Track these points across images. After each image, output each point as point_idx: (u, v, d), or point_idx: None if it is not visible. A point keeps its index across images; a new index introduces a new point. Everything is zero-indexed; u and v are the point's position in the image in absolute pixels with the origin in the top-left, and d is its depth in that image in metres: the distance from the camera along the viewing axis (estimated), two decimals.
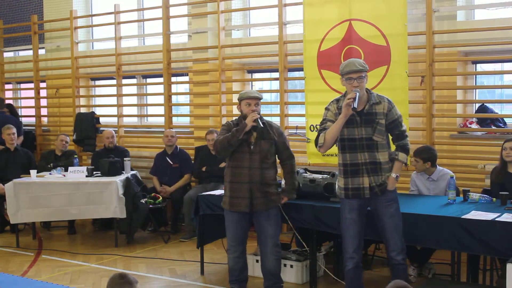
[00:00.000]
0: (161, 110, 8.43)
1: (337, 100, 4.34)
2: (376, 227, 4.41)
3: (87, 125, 8.86)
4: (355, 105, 4.03)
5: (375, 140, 4.21)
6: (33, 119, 9.79)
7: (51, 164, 7.64)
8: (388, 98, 4.30)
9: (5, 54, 10.39)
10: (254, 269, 5.60)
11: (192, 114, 8.29)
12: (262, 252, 4.93)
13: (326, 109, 4.36)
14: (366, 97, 4.23)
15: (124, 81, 8.99)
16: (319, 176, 5.21)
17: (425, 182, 5.48)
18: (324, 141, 4.23)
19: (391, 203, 4.29)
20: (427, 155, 5.39)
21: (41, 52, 9.86)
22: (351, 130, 4.22)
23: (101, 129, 8.74)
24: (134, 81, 9.19)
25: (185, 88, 8.95)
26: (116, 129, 8.62)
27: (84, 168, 7.05)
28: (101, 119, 9.08)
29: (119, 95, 8.76)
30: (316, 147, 4.35)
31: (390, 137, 4.41)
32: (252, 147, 4.75)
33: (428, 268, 5.36)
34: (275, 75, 7.47)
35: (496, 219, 4.20)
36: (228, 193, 4.84)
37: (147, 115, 9.08)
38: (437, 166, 5.47)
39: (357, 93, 4.07)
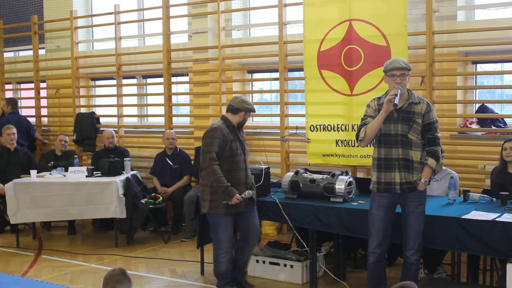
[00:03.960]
0: (161, 110, 8.43)
1: (378, 98, 4.42)
2: (398, 232, 4.41)
3: (87, 125, 8.85)
4: (397, 101, 4.13)
5: (410, 138, 4.26)
6: (33, 119, 9.77)
7: (52, 162, 7.64)
8: (428, 101, 4.36)
9: (5, 54, 10.38)
10: (255, 269, 5.61)
11: (192, 114, 8.29)
12: (245, 246, 5.08)
13: (367, 105, 4.45)
14: (407, 95, 4.31)
15: (124, 81, 8.98)
16: (319, 176, 5.22)
17: None
18: (365, 135, 4.31)
19: (418, 203, 4.33)
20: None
21: (41, 52, 9.86)
22: (388, 125, 4.29)
23: (101, 129, 8.73)
24: (134, 81, 9.19)
25: (185, 88, 8.95)
26: (116, 129, 8.61)
27: (84, 168, 7.05)
28: (101, 119, 9.08)
29: (119, 95, 8.75)
30: (357, 141, 4.43)
31: None
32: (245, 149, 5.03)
33: (438, 271, 5.34)
34: (275, 75, 7.47)
35: (496, 219, 4.20)
36: (222, 198, 4.85)
37: (147, 115, 9.08)
38: (442, 166, 5.47)
39: (399, 90, 4.17)
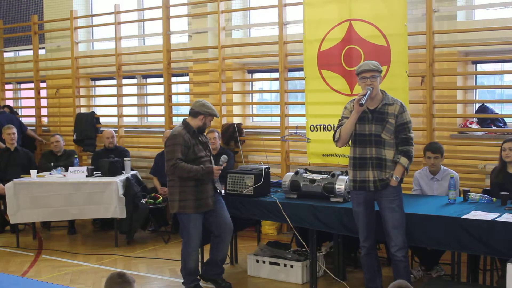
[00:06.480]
0: (161, 110, 8.43)
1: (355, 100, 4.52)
2: (380, 226, 4.52)
3: (87, 125, 8.86)
4: (363, 101, 4.31)
5: (383, 138, 4.41)
6: (33, 119, 9.79)
7: (52, 163, 7.64)
8: (402, 102, 4.50)
9: (5, 54, 10.39)
10: (255, 269, 5.61)
11: None
12: (220, 242, 5.15)
13: (344, 107, 4.62)
14: (381, 97, 4.47)
15: (124, 81, 8.99)
16: (319, 176, 5.22)
17: (429, 182, 5.48)
18: (340, 136, 4.53)
19: (392, 198, 4.44)
20: (442, 150, 5.48)
21: (41, 52, 9.86)
22: (363, 126, 4.45)
23: (101, 129, 8.73)
24: (134, 81, 9.19)
25: (185, 88, 8.95)
26: (116, 129, 8.62)
27: (84, 168, 7.05)
28: (101, 119, 9.08)
29: (119, 95, 8.76)
30: (334, 142, 4.62)
31: None
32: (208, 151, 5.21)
33: (436, 270, 5.36)
34: (275, 75, 7.47)
35: (496, 219, 4.20)
36: (192, 197, 4.98)
37: (147, 115, 9.09)
38: (442, 166, 5.48)
39: (369, 91, 4.34)
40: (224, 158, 5.16)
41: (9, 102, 10.26)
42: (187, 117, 5.14)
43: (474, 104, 6.56)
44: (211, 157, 5.23)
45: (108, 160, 7.12)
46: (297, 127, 6.92)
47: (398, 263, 4.46)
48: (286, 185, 5.27)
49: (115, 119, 8.85)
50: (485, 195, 4.89)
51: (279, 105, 7.30)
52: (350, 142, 4.55)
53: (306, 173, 5.34)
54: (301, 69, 6.86)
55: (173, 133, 5.04)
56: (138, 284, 5.39)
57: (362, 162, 4.46)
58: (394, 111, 4.41)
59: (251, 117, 8.08)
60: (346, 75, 6.36)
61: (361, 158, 4.46)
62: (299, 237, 5.46)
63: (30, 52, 9.77)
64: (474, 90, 6.57)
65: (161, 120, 8.43)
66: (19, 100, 10.68)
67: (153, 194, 7.18)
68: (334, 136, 4.59)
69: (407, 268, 4.53)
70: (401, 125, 4.42)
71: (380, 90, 4.50)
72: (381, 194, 4.46)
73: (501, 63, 6.51)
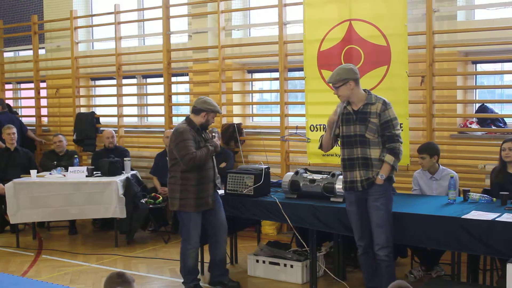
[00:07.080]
0: (161, 110, 8.43)
1: (344, 106, 4.56)
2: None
3: (87, 125, 8.86)
4: (336, 115, 4.48)
5: (367, 138, 4.44)
6: (33, 119, 9.79)
7: (55, 162, 7.65)
8: (385, 100, 4.51)
9: (5, 54, 10.39)
10: (255, 269, 5.61)
11: None
12: (216, 241, 5.17)
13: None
14: (364, 97, 4.49)
15: (124, 81, 8.99)
16: (319, 176, 5.22)
17: (427, 182, 5.48)
18: (321, 144, 4.74)
19: (377, 196, 4.45)
20: (433, 150, 5.44)
21: (41, 52, 9.86)
22: (348, 127, 4.51)
23: (101, 129, 8.73)
24: (134, 81, 9.19)
25: (185, 88, 8.96)
26: (116, 129, 8.62)
27: (84, 168, 7.05)
28: (101, 119, 9.08)
29: (119, 95, 8.76)
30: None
31: None
32: None
33: (436, 270, 5.36)
34: (275, 75, 7.47)
35: (496, 219, 4.20)
36: (192, 195, 4.99)
37: (147, 115, 9.09)
38: (440, 165, 5.48)
39: (338, 108, 4.50)
40: (217, 133, 5.25)
41: (9, 102, 10.25)
42: (190, 114, 5.14)
43: (474, 104, 6.56)
44: (213, 156, 5.22)
45: (108, 160, 7.12)
46: (297, 127, 6.92)
47: (381, 262, 4.46)
48: (286, 185, 5.28)
49: (115, 119, 8.85)
50: (485, 195, 4.89)
51: (279, 105, 7.31)
52: (339, 144, 4.61)
53: (306, 173, 5.34)
54: (301, 69, 6.86)
55: (179, 130, 5.02)
56: (138, 284, 5.40)
57: (350, 163, 4.51)
58: (376, 109, 4.42)
59: (251, 117, 8.08)
60: None
61: (349, 159, 4.51)
62: (299, 237, 5.46)
63: (30, 52, 9.77)
64: (474, 90, 6.58)
65: (161, 120, 8.43)
66: (19, 100, 10.68)
67: (153, 194, 7.18)
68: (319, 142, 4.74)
69: (390, 267, 4.50)
70: (385, 123, 4.42)
71: (364, 90, 4.53)
72: (368, 192, 4.48)
73: (501, 63, 6.52)
